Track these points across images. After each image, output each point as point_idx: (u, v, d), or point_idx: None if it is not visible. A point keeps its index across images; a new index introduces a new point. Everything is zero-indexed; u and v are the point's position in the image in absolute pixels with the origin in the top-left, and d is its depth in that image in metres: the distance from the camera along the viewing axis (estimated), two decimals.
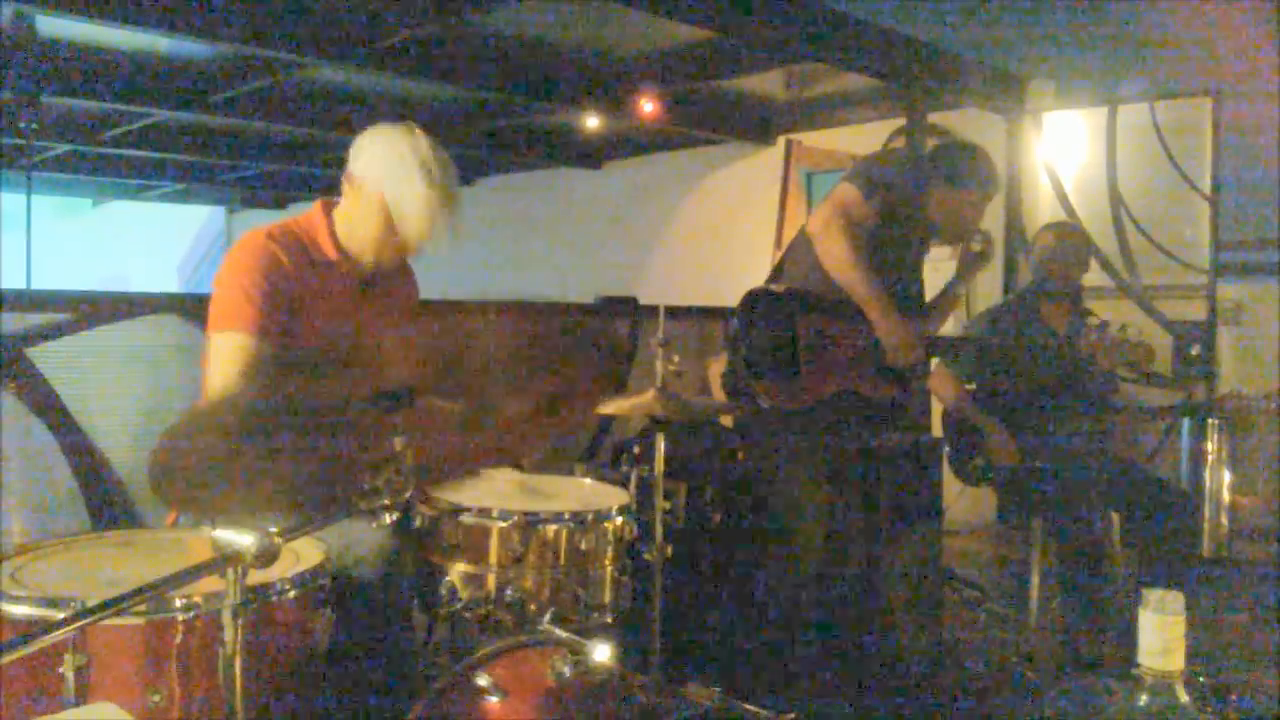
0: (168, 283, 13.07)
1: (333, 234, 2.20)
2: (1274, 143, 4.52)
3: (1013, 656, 3.27)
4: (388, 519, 1.47)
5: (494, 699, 1.62)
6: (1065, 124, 5.31)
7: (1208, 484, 3.26)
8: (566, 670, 1.62)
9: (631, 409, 2.18)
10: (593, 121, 6.58)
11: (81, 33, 5.24)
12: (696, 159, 7.53)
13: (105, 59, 5.72)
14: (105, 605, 1.15)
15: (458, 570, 1.95)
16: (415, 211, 2.10)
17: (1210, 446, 3.81)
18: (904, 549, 3.00)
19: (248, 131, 7.80)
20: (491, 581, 1.95)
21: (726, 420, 3.53)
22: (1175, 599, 1.07)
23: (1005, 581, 4.07)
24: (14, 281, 6.51)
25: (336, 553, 1.71)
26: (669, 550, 2.22)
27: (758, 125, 6.94)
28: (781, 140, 6.85)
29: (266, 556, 1.20)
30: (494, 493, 2.12)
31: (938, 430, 3.79)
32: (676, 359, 2.26)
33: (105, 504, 2.82)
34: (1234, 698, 2.65)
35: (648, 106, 5.97)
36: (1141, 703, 1.08)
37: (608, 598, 2.04)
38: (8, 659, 1.10)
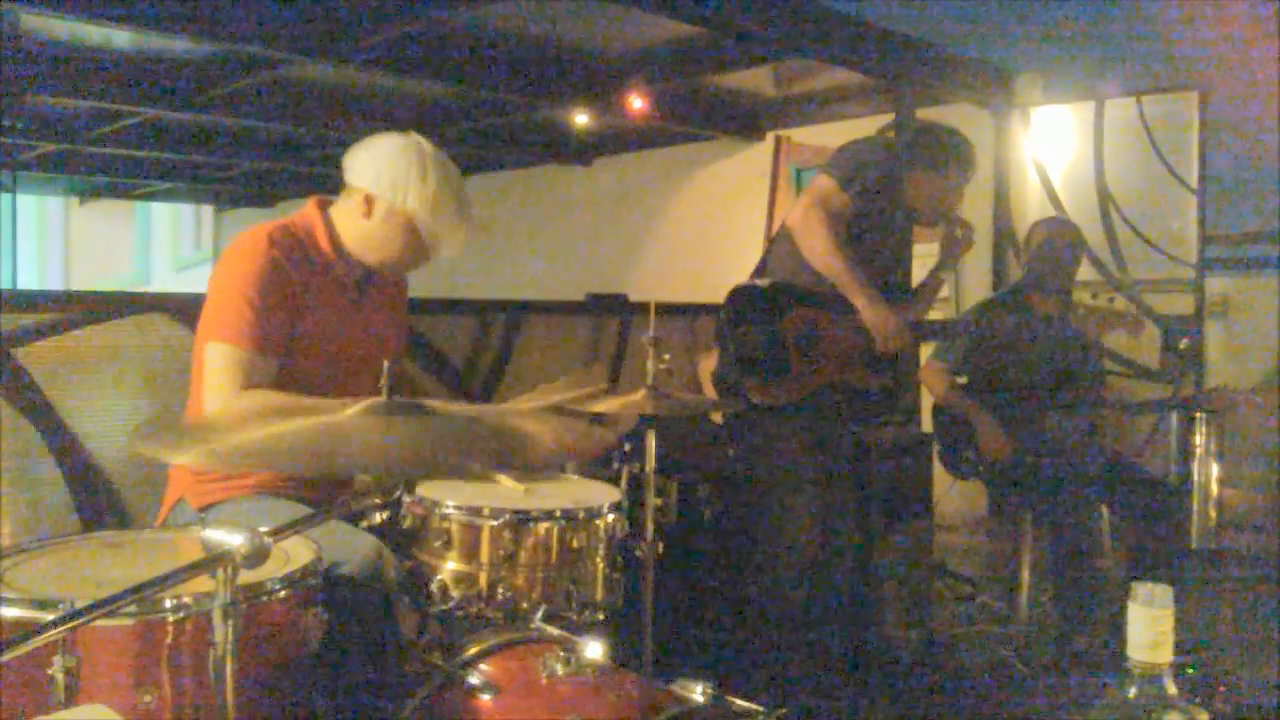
0: (155, 282, 13.02)
1: (330, 234, 2.18)
2: (1261, 137, 4.55)
3: (1003, 650, 3.29)
4: (378, 518, 1.46)
5: (486, 697, 1.62)
6: (1053, 119, 5.33)
7: (1196, 477, 3.28)
8: (559, 668, 1.62)
9: (622, 407, 2.17)
10: (582, 118, 6.57)
11: (66, 30, 5.20)
12: (686, 155, 7.53)
13: (91, 57, 5.68)
14: (95, 606, 1.15)
15: (449, 568, 1.95)
16: (453, 236, 2.15)
17: (1198, 439, 3.82)
18: (895, 544, 3.01)
19: (236, 129, 7.76)
20: (483, 579, 1.94)
21: (717, 417, 3.54)
22: (1164, 592, 1.07)
23: (996, 575, 4.09)
24: (0, 281, 6.49)
25: (327, 552, 1.70)
26: (660, 547, 2.22)
27: (747, 121, 6.94)
28: (771, 136, 6.85)
29: (256, 556, 1.19)
30: (485, 491, 2.11)
31: (928, 425, 3.80)
32: (667, 356, 2.26)
33: (94, 504, 2.81)
34: (1223, 689, 2.67)
35: (637, 103, 5.96)
36: (1131, 695, 1.08)
37: (599, 595, 2.04)
38: None
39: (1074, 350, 3.44)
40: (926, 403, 3.98)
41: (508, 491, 2.11)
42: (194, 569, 1.20)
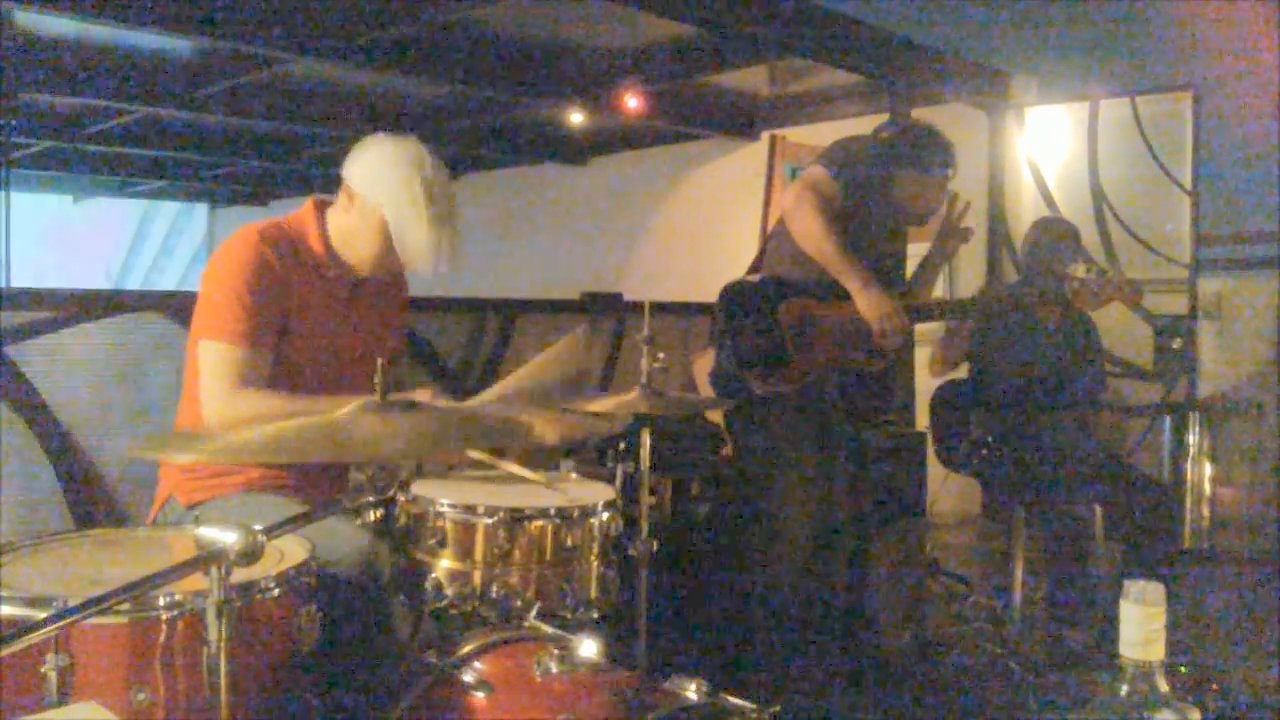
0: (150, 280, 12.98)
1: (324, 235, 2.18)
2: (1254, 137, 4.56)
3: (997, 648, 3.30)
4: (372, 516, 1.46)
5: (480, 695, 1.62)
6: (1047, 119, 5.34)
7: (1189, 476, 3.30)
8: (553, 666, 1.62)
9: (616, 406, 2.17)
10: (577, 117, 6.57)
11: (61, 27, 5.19)
12: (681, 155, 7.53)
13: (85, 54, 5.67)
14: (88, 604, 1.15)
15: (443, 566, 1.95)
16: (416, 236, 2.09)
17: (1191, 440, 3.84)
18: (889, 542, 3.01)
19: (231, 127, 7.75)
20: (477, 578, 1.94)
21: (713, 416, 3.54)
22: (1156, 590, 1.08)
23: (989, 573, 4.09)
24: None
25: (321, 550, 1.70)
26: (655, 545, 2.22)
27: (742, 121, 6.95)
28: (766, 136, 6.85)
29: (250, 554, 1.19)
30: (479, 489, 2.11)
31: (921, 424, 3.80)
32: (661, 355, 2.26)
33: (87, 503, 2.81)
34: (1214, 687, 2.68)
35: (632, 102, 5.96)
36: (1123, 692, 1.09)
37: (594, 593, 2.04)
38: None
39: (1073, 351, 3.44)
40: (921, 402, 3.99)
41: (501, 489, 2.11)
42: (187, 567, 1.20)
